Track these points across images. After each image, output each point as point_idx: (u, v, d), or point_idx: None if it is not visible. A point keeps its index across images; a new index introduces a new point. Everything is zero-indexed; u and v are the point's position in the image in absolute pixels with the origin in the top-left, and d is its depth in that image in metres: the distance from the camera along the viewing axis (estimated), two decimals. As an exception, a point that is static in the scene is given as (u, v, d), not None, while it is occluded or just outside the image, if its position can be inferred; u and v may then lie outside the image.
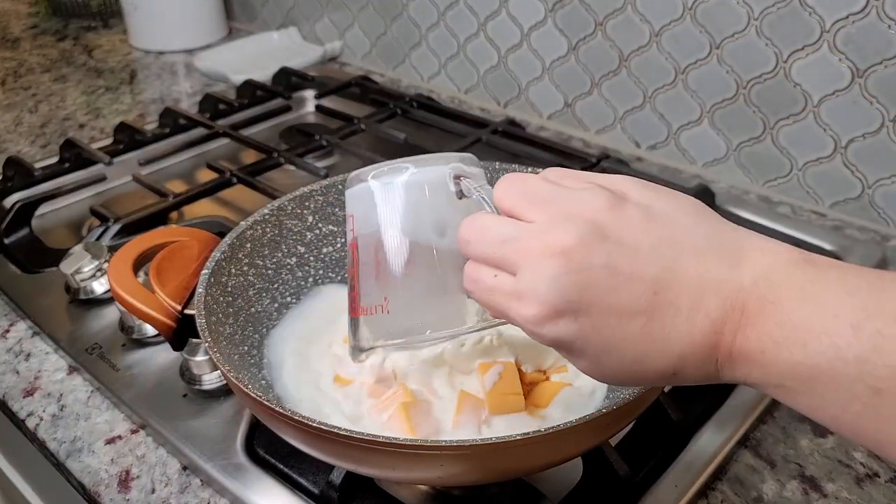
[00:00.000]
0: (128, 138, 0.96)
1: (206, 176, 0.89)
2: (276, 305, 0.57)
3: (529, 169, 0.55)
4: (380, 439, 0.38)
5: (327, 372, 0.53)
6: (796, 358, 0.30)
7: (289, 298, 0.58)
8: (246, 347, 0.52)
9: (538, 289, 0.33)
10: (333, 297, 0.59)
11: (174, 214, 0.81)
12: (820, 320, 0.30)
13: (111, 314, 0.67)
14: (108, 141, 0.98)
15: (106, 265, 0.68)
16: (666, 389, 0.54)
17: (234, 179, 0.84)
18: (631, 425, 0.54)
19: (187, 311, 0.50)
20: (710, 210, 0.36)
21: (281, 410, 0.40)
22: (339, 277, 0.61)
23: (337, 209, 0.61)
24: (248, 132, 0.99)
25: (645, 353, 0.33)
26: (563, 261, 0.32)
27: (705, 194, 0.79)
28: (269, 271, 0.57)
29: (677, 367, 0.33)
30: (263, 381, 0.51)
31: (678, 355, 0.33)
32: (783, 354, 0.31)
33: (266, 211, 0.58)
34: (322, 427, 0.39)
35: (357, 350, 0.45)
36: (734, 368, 0.33)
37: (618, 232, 0.33)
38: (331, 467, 0.49)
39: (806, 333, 0.30)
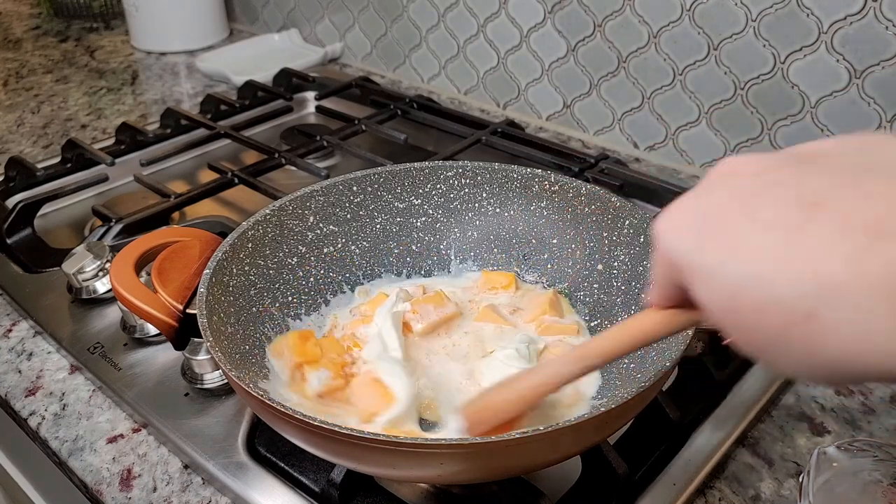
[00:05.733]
0: (129, 139, 0.96)
1: (207, 176, 0.89)
2: (277, 305, 0.57)
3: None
4: (380, 438, 0.39)
5: None
6: None
7: (290, 297, 0.58)
8: (247, 346, 0.52)
9: (680, 201, 0.30)
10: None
11: (176, 214, 0.82)
12: None
13: (113, 314, 0.67)
14: (110, 141, 0.99)
15: (108, 265, 0.68)
16: (664, 388, 0.54)
17: (236, 180, 0.84)
18: (629, 424, 0.54)
19: (189, 311, 0.50)
20: None
21: (282, 409, 0.40)
22: (339, 277, 0.62)
23: (338, 209, 0.62)
24: (249, 133, 0.99)
25: (773, 269, 0.25)
26: (716, 181, 0.29)
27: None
28: (271, 271, 0.58)
29: (815, 301, 0.24)
30: (265, 381, 0.51)
31: (819, 282, 0.24)
32: None
33: (267, 211, 0.58)
34: (323, 426, 0.39)
35: None
36: None
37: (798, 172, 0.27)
38: (331, 465, 0.49)
39: None
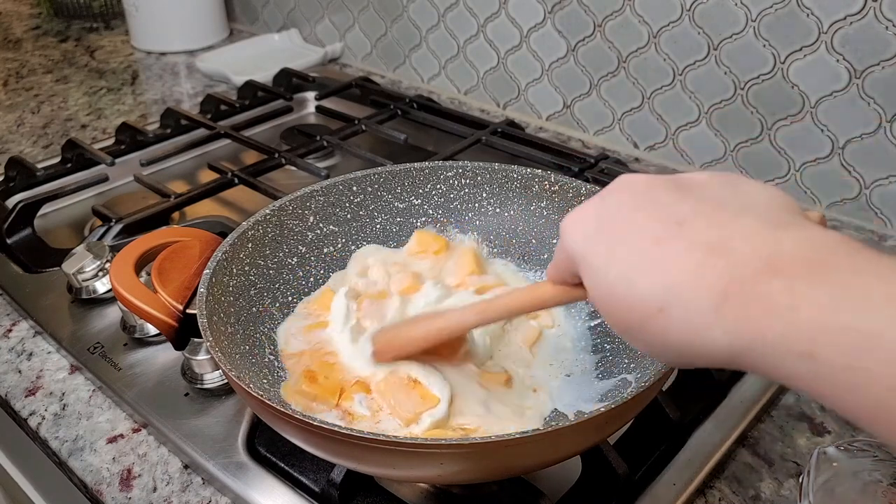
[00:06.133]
0: (129, 139, 0.96)
1: (207, 176, 0.89)
2: (277, 305, 0.57)
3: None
4: (380, 438, 0.39)
5: None
6: (843, 321, 0.26)
7: (290, 297, 0.58)
8: (247, 346, 0.52)
9: (585, 205, 0.37)
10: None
11: (176, 215, 0.82)
12: (880, 287, 0.26)
13: (113, 314, 0.67)
14: (110, 141, 0.99)
15: (108, 265, 0.68)
16: (664, 388, 0.54)
17: (236, 180, 0.84)
18: (629, 424, 0.54)
19: (189, 311, 0.50)
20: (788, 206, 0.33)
21: (282, 409, 0.40)
22: (339, 277, 0.62)
23: (337, 209, 0.62)
24: (249, 133, 0.99)
25: (637, 273, 0.32)
26: (612, 194, 0.36)
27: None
28: (271, 271, 0.58)
29: (664, 300, 0.31)
30: (265, 380, 0.51)
31: (668, 285, 0.31)
32: (823, 315, 0.27)
33: (267, 211, 0.58)
34: (323, 426, 0.39)
35: None
36: (742, 321, 0.29)
37: (675, 192, 0.34)
38: (331, 465, 0.49)
39: (860, 297, 0.26)
